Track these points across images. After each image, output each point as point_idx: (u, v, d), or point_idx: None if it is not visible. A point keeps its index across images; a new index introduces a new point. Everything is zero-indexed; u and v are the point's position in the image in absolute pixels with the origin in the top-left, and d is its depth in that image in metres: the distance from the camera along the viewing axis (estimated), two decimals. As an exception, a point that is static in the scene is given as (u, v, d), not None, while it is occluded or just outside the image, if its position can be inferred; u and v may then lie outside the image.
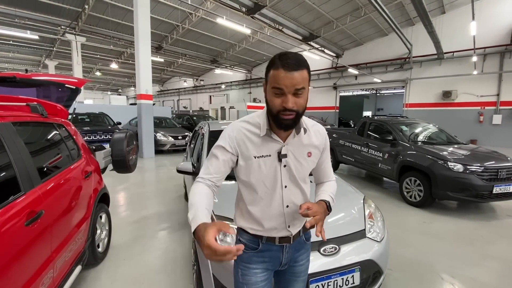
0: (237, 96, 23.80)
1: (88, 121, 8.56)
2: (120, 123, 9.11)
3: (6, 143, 1.36)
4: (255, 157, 0.92)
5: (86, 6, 11.40)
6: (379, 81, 14.92)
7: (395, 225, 3.23)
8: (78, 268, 1.80)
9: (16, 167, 1.36)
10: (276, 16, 11.41)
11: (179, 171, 2.45)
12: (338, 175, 2.70)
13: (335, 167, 6.21)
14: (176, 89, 29.54)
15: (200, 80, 24.44)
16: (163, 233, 3.04)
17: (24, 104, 1.81)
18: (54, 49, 15.82)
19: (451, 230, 3.18)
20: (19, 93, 2.20)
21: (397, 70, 14.38)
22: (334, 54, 16.30)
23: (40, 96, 2.37)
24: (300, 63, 0.81)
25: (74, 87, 2.57)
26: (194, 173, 2.39)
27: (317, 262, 1.49)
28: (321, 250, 1.55)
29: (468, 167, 3.53)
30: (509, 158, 3.81)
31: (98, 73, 23.11)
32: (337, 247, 1.59)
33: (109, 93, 34.05)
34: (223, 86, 24.16)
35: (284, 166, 0.94)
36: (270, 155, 0.93)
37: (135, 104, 10.77)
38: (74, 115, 2.69)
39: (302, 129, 0.94)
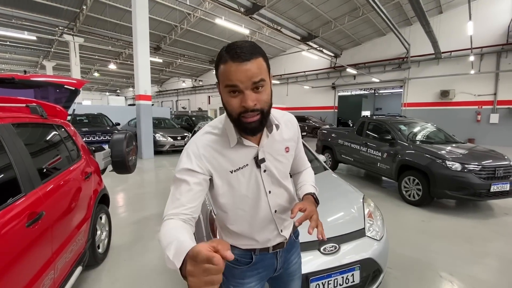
0: (236, 96, 23.76)
1: (87, 122, 8.54)
2: (119, 124, 9.09)
3: (6, 144, 1.36)
4: (231, 172, 0.79)
5: (84, 7, 11.37)
6: (378, 80, 14.97)
7: (394, 224, 3.25)
8: (79, 269, 1.81)
9: (17, 168, 1.36)
10: (275, 16, 11.44)
11: None
12: (337, 175, 2.72)
13: (334, 167, 6.24)
14: (174, 89, 29.49)
15: (199, 80, 24.39)
16: (163, 234, 3.03)
17: (24, 105, 1.81)
18: (52, 50, 15.77)
19: (450, 229, 3.20)
20: (18, 94, 2.20)
21: (395, 70, 14.44)
22: (332, 54, 16.34)
23: (39, 97, 2.36)
24: (252, 50, 0.66)
25: (73, 88, 2.56)
26: None
27: (317, 261, 1.50)
28: (321, 249, 1.56)
29: (466, 166, 3.55)
30: (506, 157, 3.84)
31: (96, 74, 23.03)
32: (337, 246, 1.60)
33: (107, 94, 33.96)
34: (222, 86, 24.12)
35: (264, 171, 0.83)
36: (247, 165, 0.80)
37: (133, 104, 10.75)
38: (73, 116, 2.69)
39: (274, 126, 0.81)
